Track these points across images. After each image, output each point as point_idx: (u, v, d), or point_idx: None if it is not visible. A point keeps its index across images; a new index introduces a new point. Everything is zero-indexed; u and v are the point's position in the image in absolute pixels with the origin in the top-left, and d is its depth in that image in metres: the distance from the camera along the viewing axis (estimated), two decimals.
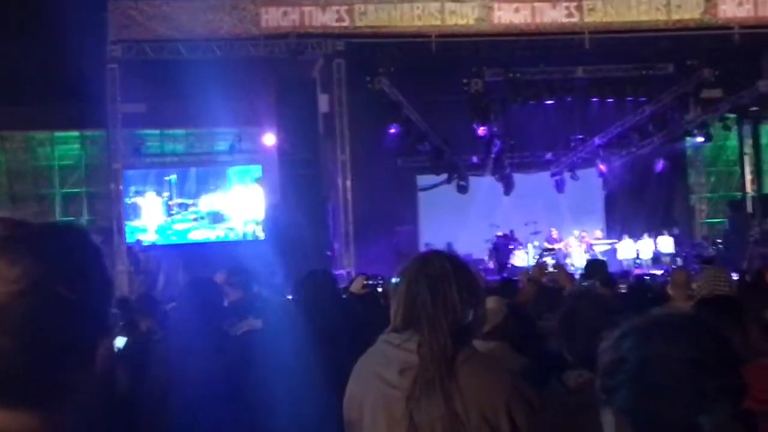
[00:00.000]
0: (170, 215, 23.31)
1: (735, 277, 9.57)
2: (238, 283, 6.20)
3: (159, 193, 23.42)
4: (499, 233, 27.66)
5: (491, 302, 5.04)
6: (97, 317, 1.41)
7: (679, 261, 27.34)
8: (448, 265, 3.02)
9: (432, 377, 2.85)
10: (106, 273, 1.46)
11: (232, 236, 23.26)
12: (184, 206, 23.29)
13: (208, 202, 23.37)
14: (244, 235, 23.30)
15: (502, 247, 26.94)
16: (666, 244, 28.04)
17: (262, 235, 23.13)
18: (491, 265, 26.60)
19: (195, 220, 23.22)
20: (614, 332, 1.70)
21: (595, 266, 7.50)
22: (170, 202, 23.41)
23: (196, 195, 23.47)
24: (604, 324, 3.06)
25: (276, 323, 5.33)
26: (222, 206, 23.43)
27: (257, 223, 23.35)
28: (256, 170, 23.91)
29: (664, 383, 1.56)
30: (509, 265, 26.37)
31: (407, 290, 3.03)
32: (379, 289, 8.93)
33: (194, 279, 4.99)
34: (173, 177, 23.57)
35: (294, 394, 3.96)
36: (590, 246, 28.40)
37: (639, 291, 8.35)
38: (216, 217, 23.29)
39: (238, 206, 23.46)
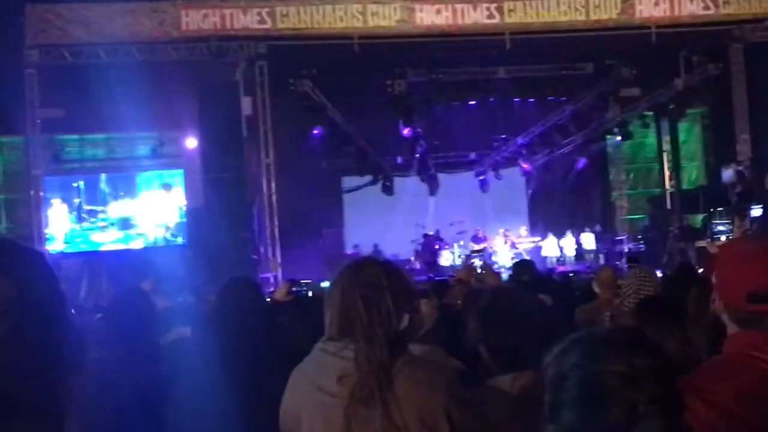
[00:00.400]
0: (80, 222, 22.68)
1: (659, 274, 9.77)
2: (165, 291, 6.11)
3: (65, 200, 22.75)
4: (429, 233, 27.83)
5: (423, 306, 5.06)
6: (70, 322, 1.39)
7: (602, 257, 27.81)
8: (382, 272, 2.99)
9: (370, 388, 2.83)
10: (59, 280, 1.45)
11: (142, 243, 22.73)
12: (93, 213, 22.66)
13: (117, 209, 22.74)
14: (155, 240, 22.80)
15: (428, 247, 27.05)
16: (588, 241, 28.48)
17: (173, 240, 22.71)
18: (418, 265, 26.69)
19: (104, 227, 22.61)
20: (557, 346, 1.73)
21: (522, 266, 7.53)
22: (81, 209, 22.71)
23: (104, 202, 22.83)
24: (523, 319, 3.10)
25: (204, 331, 5.26)
26: (131, 212, 22.81)
27: (167, 229, 22.89)
28: (165, 175, 23.36)
29: (600, 400, 1.60)
30: (437, 265, 26.53)
31: (341, 299, 2.99)
32: (310, 294, 8.81)
33: (124, 289, 4.91)
34: (81, 183, 22.89)
35: (222, 403, 3.91)
36: (514, 244, 28.72)
37: (567, 289, 8.46)
38: (125, 224, 22.71)
39: (147, 212, 22.90)
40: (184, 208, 22.92)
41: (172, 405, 4.13)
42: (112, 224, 22.57)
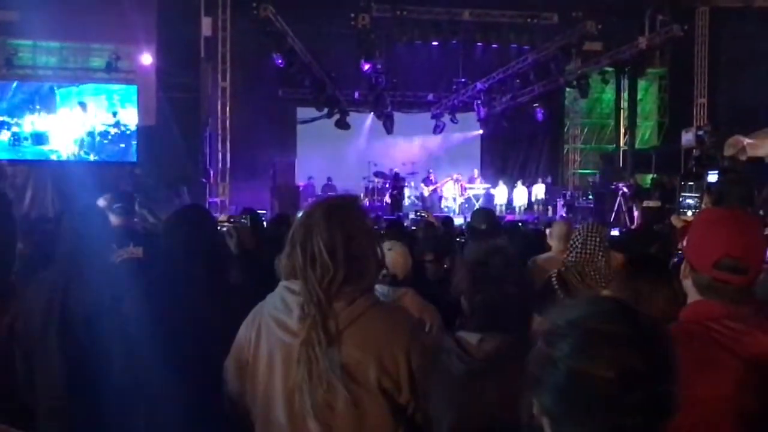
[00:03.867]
0: None
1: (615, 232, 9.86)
2: (120, 209, 6.02)
3: None
4: (381, 171, 27.84)
5: (399, 255, 5.05)
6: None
7: (550, 209, 28.09)
8: (320, 216, 2.96)
9: (318, 330, 2.86)
10: (7, 205, 1.34)
11: (55, 158, 21.87)
12: (5, 125, 21.69)
13: (31, 122, 21.93)
14: (68, 157, 22.02)
15: (396, 186, 26.92)
16: (539, 192, 28.70)
17: (86, 158, 21.88)
18: (367, 202, 26.69)
19: (17, 140, 21.68)
20: (551, 318, 1.71)
21: (481, 214, 7.49)
22: None
23: (19, 114, 21.87)
24: (510, 283, 3.11)
25: (158, 253, 5.20)
26: (47, 127, 21.97)
27: (78, 145, 22.10)
28: (82, 92, 22.45)
29: (585, 401, 1.60)
30: (401, 205, 26.53)
31: (303, 237, 2.98)
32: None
33: (84, 204, 4.82)
34: None
35: (162, 327, 3.88)
36: (464, 189, 28.90)
37: (519, 239, 8.50)
38: (39, 139, 21.91)
39: (63, 128, 22.11)
40: (99, 127, 22.12)
41: (120, 323, 4.09)
42: (25, 138, 21.72)
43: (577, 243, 5.32)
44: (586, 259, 5.23)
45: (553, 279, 5.29)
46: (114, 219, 5.87)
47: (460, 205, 28.26)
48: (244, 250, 5.71)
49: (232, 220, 6.68)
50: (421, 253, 6.07)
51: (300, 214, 3.11)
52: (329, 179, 27.44)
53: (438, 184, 28.85)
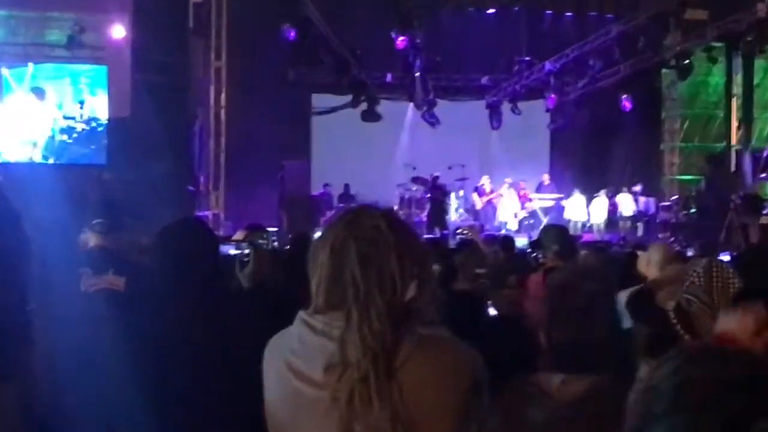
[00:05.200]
0: None
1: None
2: (101, 226, 6.06)
3: None
4: (422, 176, 27.88)
5: None
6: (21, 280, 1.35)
7: (640, 227, 27.99)
8: (384, 225, 2.91)
9: (365, 375, 2.80)
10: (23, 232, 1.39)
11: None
12: None
13: None
14: (17, 162, 21.73)
15: (436, 197, 26.95)
16: (626, 204, 28.54)
17: (44, 163, 21.75)
18: (402, 217, 26.66)
19: None
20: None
21: (550, 233, 7.42)
22: None
23: None
24: (600, 312, 3.13)
25: (144, 287, 5.22)
26: None
27: (34, 145, 21.97)
28: (38, 74, 22.35)
29: (698, 408, 1.76)
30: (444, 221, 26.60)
31: (331, 258, 2.87)
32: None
33: (49, 220, 4.88)
34: None
35: (162, 382, 3.93)
36: (527, 200, 28.77)
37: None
38: None
39: (11, 123, 21.87)
40: (61, 122, 22.11)
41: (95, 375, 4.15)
42: None
43: (697, 270, 5.32)
44: (713, 287, 5.23)
45: (671, 313, 5.28)
46: (93, 238, 5.95)
47: (520, 222, 28.18)
48: (259, 282, 5.72)
49: (249, 240, 6.68)
50: (502, 279, 6.04)
51: (334, 226, 3.06)
52: (347, 187, 27.46)
53: (493, 195, 28.73)
